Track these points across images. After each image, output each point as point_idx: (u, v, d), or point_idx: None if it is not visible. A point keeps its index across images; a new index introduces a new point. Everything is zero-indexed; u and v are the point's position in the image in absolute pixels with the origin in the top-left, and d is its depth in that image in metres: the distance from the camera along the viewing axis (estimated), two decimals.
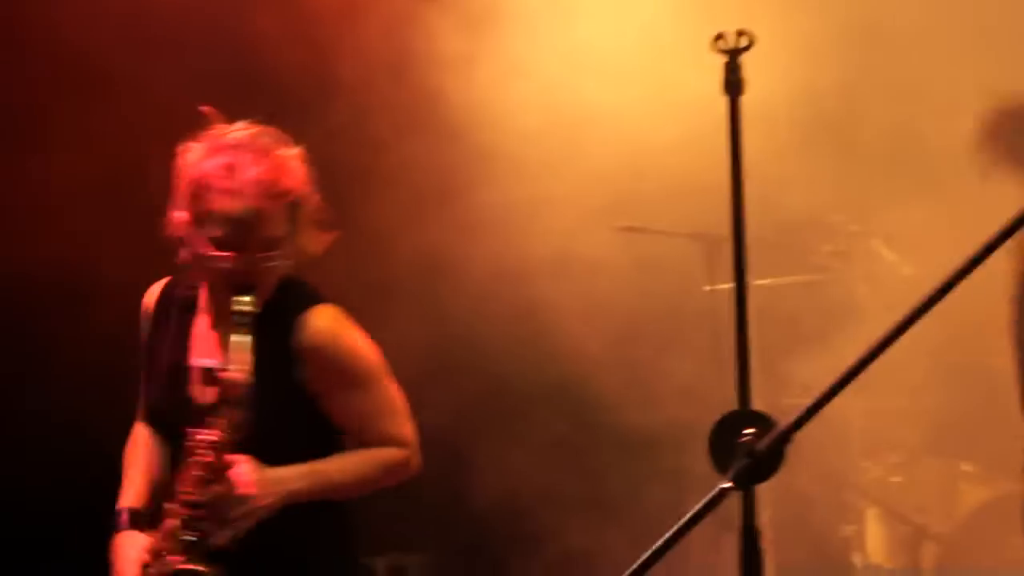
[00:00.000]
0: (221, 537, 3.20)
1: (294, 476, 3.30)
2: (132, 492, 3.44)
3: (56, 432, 5.31)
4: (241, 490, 3.21)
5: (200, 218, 3.23)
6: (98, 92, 5.40)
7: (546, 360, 5.64)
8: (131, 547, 3.31)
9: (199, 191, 3.22)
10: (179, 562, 3.16)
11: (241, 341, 3.17)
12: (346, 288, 3.45)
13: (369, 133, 5.54)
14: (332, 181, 3.34)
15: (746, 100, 2.42)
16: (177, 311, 3.43)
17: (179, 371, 3.38)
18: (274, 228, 3.23)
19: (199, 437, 3.18)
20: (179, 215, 3.27)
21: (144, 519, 3.38)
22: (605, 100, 5.28)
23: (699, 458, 2.31)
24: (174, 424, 3.31)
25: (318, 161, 3.31)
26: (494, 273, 5.44)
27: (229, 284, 3.23)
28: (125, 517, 3.38)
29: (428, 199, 5.62)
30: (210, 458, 3.18)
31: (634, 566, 2.20)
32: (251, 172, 3.21)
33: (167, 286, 3.49)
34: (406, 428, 3.44)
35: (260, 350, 3.21)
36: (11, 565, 5.37)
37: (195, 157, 3.25)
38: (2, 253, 5.39)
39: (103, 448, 3.65)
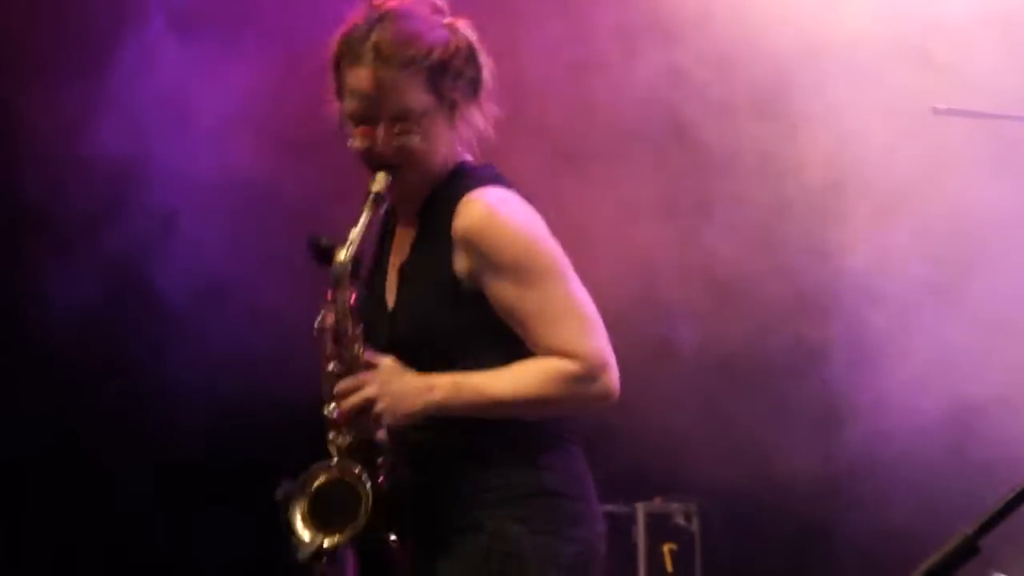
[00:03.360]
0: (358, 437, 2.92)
1: (431, 385, 2.91)
2: None
3: None
4: (367, 389, 2.91)
5: (340, 97, 3.02)
6: None
7: None
8: None
9: (336, 68, 3.02)
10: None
11: (360, 222, 2.94)
12: None
13: None
14: None
15: None
16: None
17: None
18: (406, 98, 2.95)
19: (316, 324, 2.98)
20: (334, 104, 3.06)
21: None
22: None
23: None
24: None
25: None
26: None
27: (368, 164, 2.98)
28: None
29: None
30: (329, 344, 2.96)
31: None
32: (371, 37, 2.96)
33: None
34: (582, 338, 2.93)
35: (422, 241, 3.01)
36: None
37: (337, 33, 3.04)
38: None
39: None
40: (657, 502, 5.33)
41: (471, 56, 3.04)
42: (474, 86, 3.04)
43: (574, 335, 2.92)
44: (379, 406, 2.90)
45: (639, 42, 5.23)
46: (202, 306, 5.33)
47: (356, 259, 2.96)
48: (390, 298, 3.06)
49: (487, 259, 2.92)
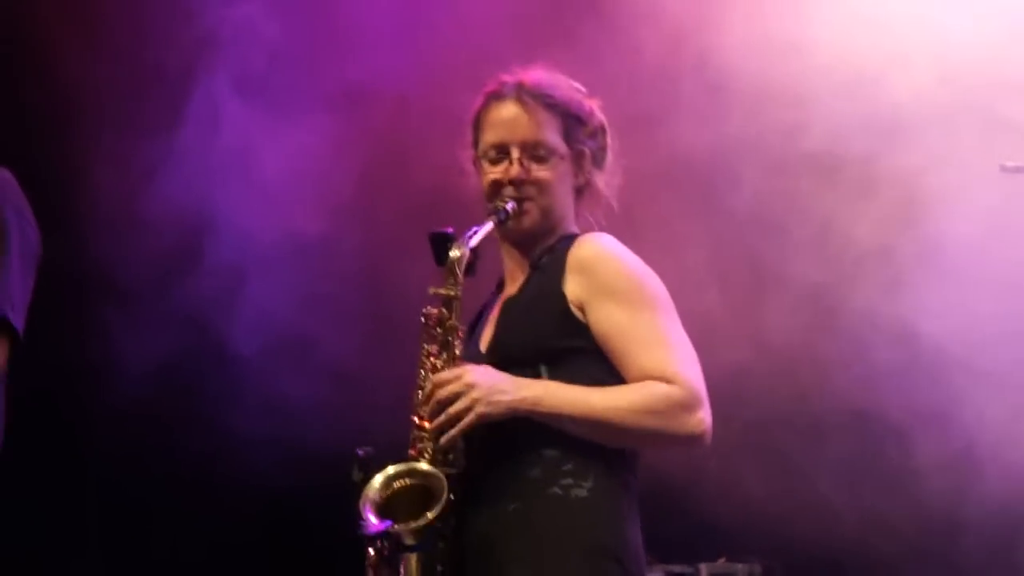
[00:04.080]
0: (445, 436, 2.94)
1: (527, 383, 2.96)
2: None
3: None
4: (466, 376, 2.95)
5: (477, 137, 3.21)
6: None
7: None
8: None
9: (476, 121, 3.22)
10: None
11: (483, 227, 3.10)
12: None
13: None
14: None
15: None
16: None
17: None
18: (543, 131, 3.14)
19: (423, 312, 3.09)
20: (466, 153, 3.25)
21: None
22: None
23: None
24: None
25: None
26: None
27: (497, 196, 3.13)
28: None
29: None
30: (430, 332, 3.06)
31: None
32: (518, 81, 3.18)
33: None
34: (686, 366, 2.96)
35: (533, 279, 3.12)
36: None
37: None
38: None
39: None
40: (721, 563, 5.29)
41: (602, 129, 3.23)
42: (600, 156, 3.22)
43: (679, 361, 2.97)
44: (476, 393, 2.93)
45: (697, 105, 5.24)
46: (271, 361, 5.36)
47: (472, 255, 3.08)
48: (484, 344, 3.13)
49: (601, 283, 3.02)
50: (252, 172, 5.52)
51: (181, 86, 5.53)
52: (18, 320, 3.24)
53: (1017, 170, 4.57)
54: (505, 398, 2.93)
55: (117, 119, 5.54)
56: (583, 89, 3.24)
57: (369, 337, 5.22)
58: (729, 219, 5.30)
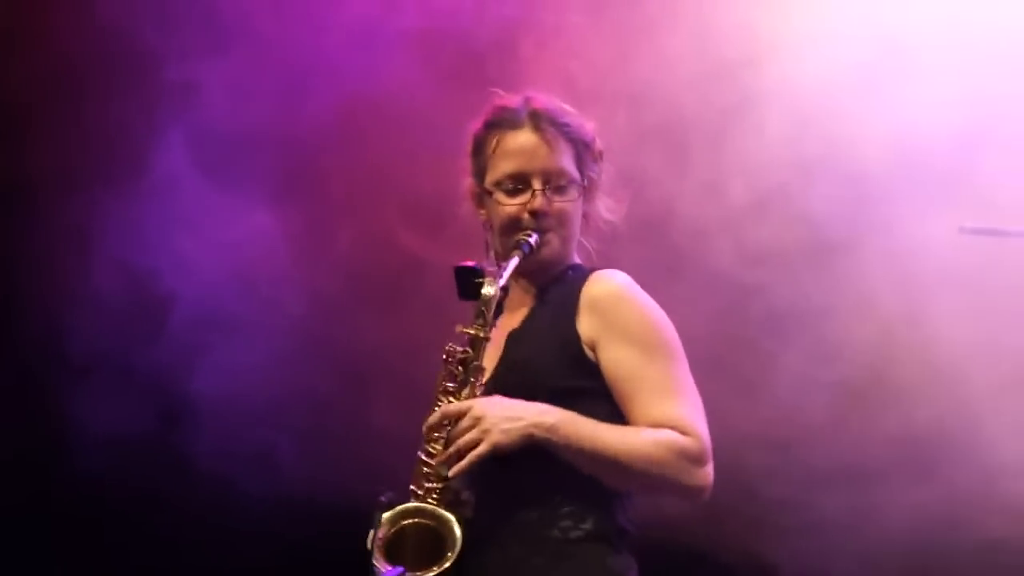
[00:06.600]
0: (454, 468, 2.89)
1: (544, 410, 2.89)
2: None
3: None
4: (475, 408, 2.90)
5: (479, 174, 3.14)
6: None
7: None
8: None
9: (476, 149, 3.14)
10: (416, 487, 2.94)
11: (510, 263, 3.02)
12: None
13: None
14: None
15: None
16: None
17: None
18: (562, 159, 3.07)
19: (445, 350, 3.02)
20: (467, 181, 3.17)
21: None
22: None
23: None
24: None
25: None
26: None
27: (516, 229, 3.06)
28: None
29: None
30: (451, 371, 2.98)
31: None
32: (528, 108, 3.11)
33: None
34: (697, 420, 2.92)
35: (540, 311, 3.07)
36: None
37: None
38: None
39: None
40: None
41: (601, 154, 3.17)
42: (599, 181, 3.16)
43: (690, 413, 2.93)
44: (485, 424, 2.87)
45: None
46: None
47: (503, 293, 3.01)
48: (489, 367, 3.05)
49: (616, 325, 2.95)
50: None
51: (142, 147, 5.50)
52: None
53: (976, 231, 4.60)
54: (519, 424, 2.88)
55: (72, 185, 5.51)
56: (576, 111, 3.17)
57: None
58: None
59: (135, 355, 5.41)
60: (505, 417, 2.88)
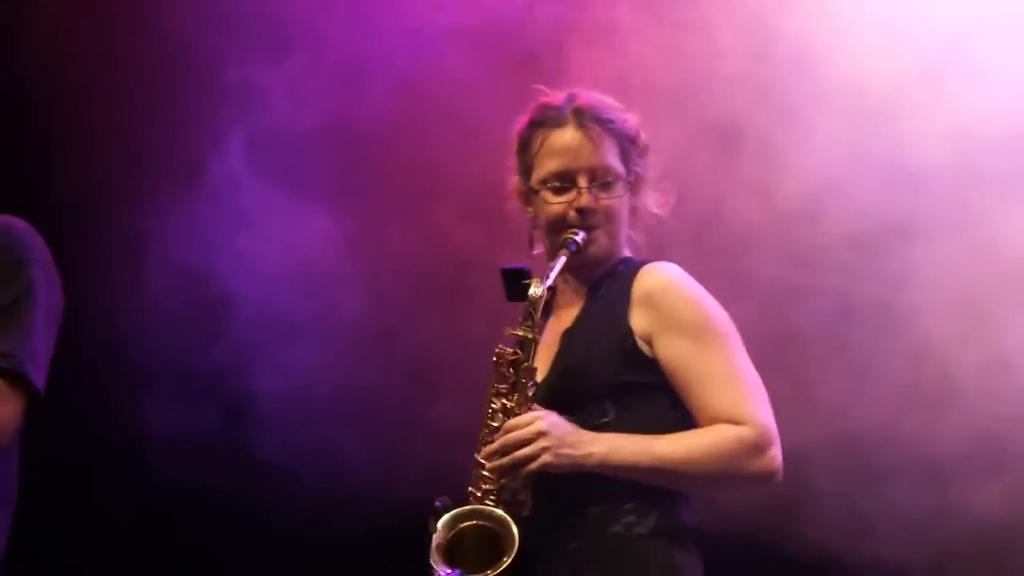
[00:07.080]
0: (507, 487, 2.90)
1: (595, 438, 2.90)
2: None
3: None
4: (537, 423, 2.90)
5: (525, 172, 3.14)
6: None
7: None
8: None
9: (522, 147, 3.15)
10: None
11: (558, 263, 3.01)
12: None
13: None
14: None
15: None
16: None
17: None
18: (608, 156, 3.07)
19: (496, 351, 3.01)
20: (513, 179, 3.18)
21: None
22: None
23: None
24: None
25: None
26: None
27: (563, 228, 3.06)
28: None
29: None
30: (503, 373, 2.98)
31: None
32: (571, 105, 3.10)
33: None
34: (755, 406, 2.92)
35: (593, 308, 3.06)
36: None
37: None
38: None
39: None
40: None
41: (647, 147, 3.15)
42: (646, 175, 3.15)
43: (747, 400, 2.92)
44: (544, 441, 2.88)
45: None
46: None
47: (551, 293, 3.00)
48: (542, 369, 3.05)
49: (669, 317, 2.95)
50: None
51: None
52: (39, 378, 3.18)
53: None
54: (572, 453, 2.89)
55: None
56: (621, 106, 3.17)
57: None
58: None
59: (197, 357, 5.43)
60: (562, 441, 2.89)
